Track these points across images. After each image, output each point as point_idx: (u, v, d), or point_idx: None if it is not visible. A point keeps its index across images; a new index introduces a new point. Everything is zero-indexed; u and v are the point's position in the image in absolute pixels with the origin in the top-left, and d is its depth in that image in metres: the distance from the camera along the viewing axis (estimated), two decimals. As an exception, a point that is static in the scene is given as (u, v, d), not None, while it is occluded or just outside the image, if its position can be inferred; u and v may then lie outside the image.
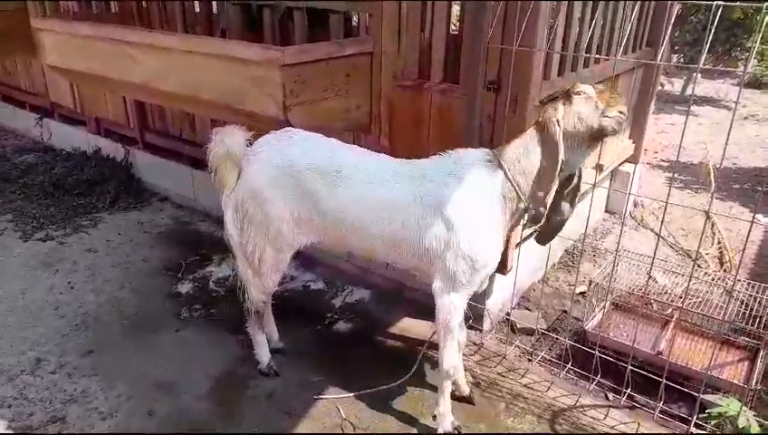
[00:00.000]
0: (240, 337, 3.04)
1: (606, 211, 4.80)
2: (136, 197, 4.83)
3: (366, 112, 3.22)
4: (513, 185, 2.20)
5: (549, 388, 2.82)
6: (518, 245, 3.07)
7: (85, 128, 5.45)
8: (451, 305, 2.32)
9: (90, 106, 5.24)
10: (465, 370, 2.82)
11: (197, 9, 4.28)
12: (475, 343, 3.13)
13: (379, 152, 3.25)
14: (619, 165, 4.57)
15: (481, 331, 3.20)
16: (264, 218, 2.42)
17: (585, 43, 3.17)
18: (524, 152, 2.18)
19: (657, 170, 6.03)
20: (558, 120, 2.09)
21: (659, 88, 8.67)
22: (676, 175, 5.83)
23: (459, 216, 2.20)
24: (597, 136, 2.17)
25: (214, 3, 4.36)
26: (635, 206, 4.93)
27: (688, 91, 9.53)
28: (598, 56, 3.39)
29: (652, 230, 4.55)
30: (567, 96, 2.13)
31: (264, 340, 2.86)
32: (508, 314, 3.37)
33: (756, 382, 2.62)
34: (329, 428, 2.56)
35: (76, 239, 4.19)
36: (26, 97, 6.15)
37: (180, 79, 3.22)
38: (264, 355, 2.86)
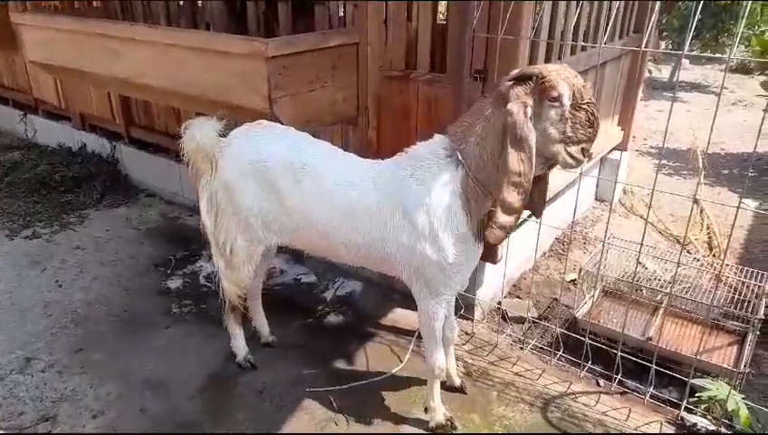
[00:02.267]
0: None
1: (596, 199, 4.81)
2: (123, 193, 4.79)
3: (353, 105, 3.20)
4: (476, 185, 2.04)
5: (540, 376, 2.83)
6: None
7: (70, 123, 5.39)
8: (430, 310, 2.28)
9: (74, 101, 5.18)
10: (457, 359, 2.82)
11: (181, 3, 4.22)
12: (466, 333, 3.13)
13: (368, 145, 3.28)
14: (608, 152, 4.58)
15: (472, 320, 3.20)
16: (236, 210, 2.41)
17: (571, 30, 3.16)
18: (485, 145, 1.98)
19: (647, 157, 6.04)
20: (527, 114, 1.85)
21: (647, 75, 8.71)
22: (664, 161, 5.85)
23: (422, 222, 2.10)
24: (549, 159, 1.97)
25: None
26: (624, 193, 4.95)
27: (677, 78, 9.56)
28: (584, 44, 3.36)
29: (641, 217, 4.57)
30: (541, 92, 1.86)
31: (240, 333, 2.85)
32: (499, 302, 3.37)
33: (745, 366, 2.64)
34: (322, 420, 2.56)
35: (64, 237, 4.15)
36: (9, 93, 6.07)
37: (164, 73, 3.19)
38: (240, 349, 2.85)
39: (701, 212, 4.59)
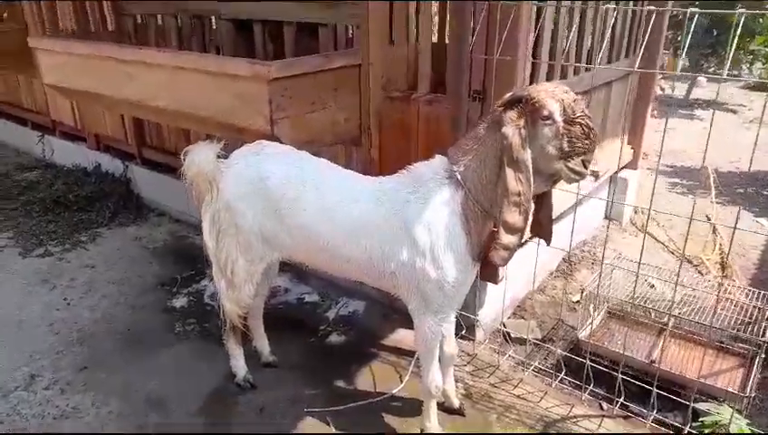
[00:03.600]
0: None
1: (606, 218, 4.76)
2: (135, 212, 4.87)
3: (355, 125, 3.23)
4: (475, 206, 2.06)
5: (542, 398, 2.78)
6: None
7: (85, 144, 5.51)
8: (427, 328, 2.28)
9: (89, 123, 5.31)
10: (457, 381, 2.80)
11: (192, 26, 4.32)
12: (468, 354, 3.10)
13: (369, 164, 3.29)
14: (618, 171, 4.54)
15: (474, 341, 3.17)
16: (237, 230, 2.43)
17: (571, 49, 3.16)
18: (484, 168, 2.01)
19: (659, 175, 5.97)
20: (522, 135, 1.89)
21: (660, 92, 8.65)
22: (677, 179, 5.78)
23: (422, 240, 2.11)
24: (552, 175, 2.00)
25: (210, 19, 4.40)
26: (635, 212, 4.89)
27: (694, 96, 9.48)
28: (580, 65, 3.34)
29: (652, 236, 4.50)
30: (532, 112, 1.88)
31: (240, 353, 2.85)
32: (503, 323, 3.34)
33: (751, 390, 2.57)
34: (319, 441, 2.55)
35: (75, 255, 4.22)
36: (28, 115, 6.24)
37: (173, 95, 3.25)
38: (240, 368, 2.86)
39: (714, 231, 4.51)
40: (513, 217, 1.94)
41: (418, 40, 3.06)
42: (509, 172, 1.91)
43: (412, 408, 2.70)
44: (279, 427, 2.62)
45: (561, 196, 3.66)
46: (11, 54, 5.53)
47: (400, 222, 2.16)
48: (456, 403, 2.68)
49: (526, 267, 3.37)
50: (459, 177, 2.08)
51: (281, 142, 2.65)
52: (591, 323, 3.12)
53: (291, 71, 2.75)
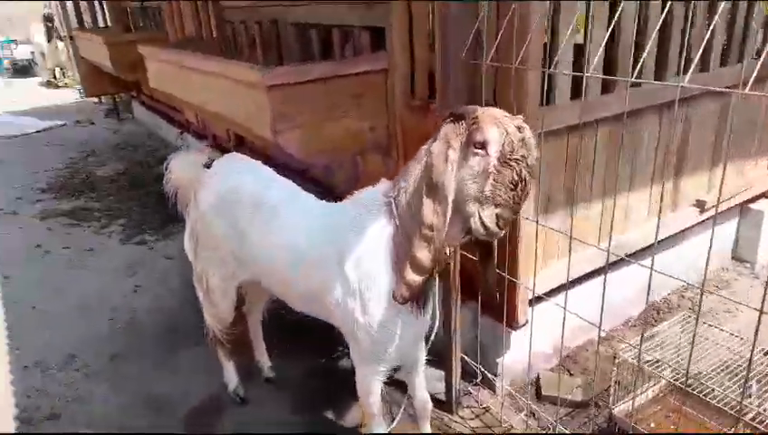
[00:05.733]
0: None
1: (734, 258, 3.82)
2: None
3: (383, 134, 2.97)
4: (405, 240, 1.72)
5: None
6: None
7: (207, 143, 5.96)
8: (363, 380, 2.00)
9: (208, 124, 5.72)
10: (448, 437, 2.42)
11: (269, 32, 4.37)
12: (480, 405, 2.68)
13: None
14: (749, 200, 3.61)
15: (494, 391, 2.73)
16: (210, 244, 2.35)
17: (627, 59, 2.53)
18: (414, 193, 1.70)
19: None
20: (449, 157, 1.55)
21: None
22: None
23: (351, 277, 1.84)
24: (466, 221, 1.63)
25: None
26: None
27: None
28: (613, 78, 2.64)
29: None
30: (469, 134, 1.54)
31: (230, 366, 2.79)
32: (537, 377, 2.83)
33: None
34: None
35: (162, 246, 4.56)
36: (173, 113, 6.96)
37: (217, 101, 3.31)
38: (230, 381, 2.79)
39: None
40: (421, 252, 1.63)
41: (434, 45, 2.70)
42: (426, 201, 1.59)
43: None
44: (247, 451, 2.51)
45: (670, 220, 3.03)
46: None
47: (335, 254, 1.90)
48: (430, 465, 2.32)
49: (587, 309, 2.79)
50: (394, 204, 1.76)
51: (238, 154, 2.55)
52: (642, 395, 2.48)
53: (292, 77, 2.60)
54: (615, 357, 2.49)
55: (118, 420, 2.74)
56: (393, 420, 2.56)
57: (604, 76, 2.37)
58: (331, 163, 3.64)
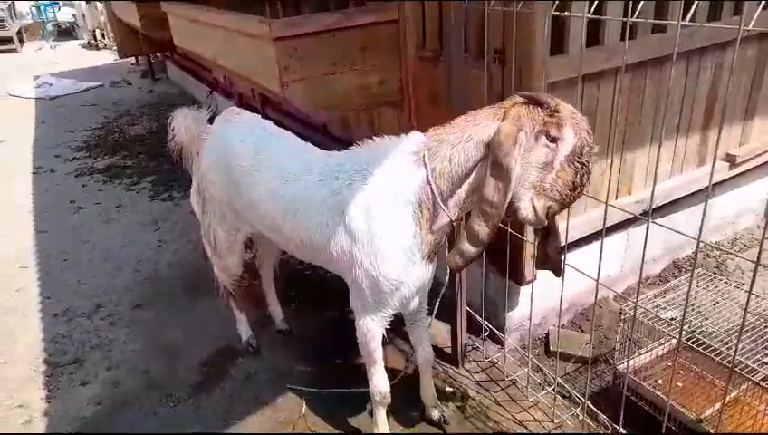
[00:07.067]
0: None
1: (766, 216, 3.65)
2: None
3: (395, 88, 2.91)
4: (432, 189, 1.71)
5: (552, 430, 2.28)
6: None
7: (233, 102, 5.99)
8: (365, 328, 2.00)
9: (234, 82, 5.73)
10: (457, 390, 2.45)
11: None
12: (489, 359, 2.68)
13: (409, 130, 2.96)
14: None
15: (502, 346, 2.72)
16: (213, 199, 2.38)
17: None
18: (460, 154, 1.66)
19: None
20: (518, 140, 1.53)
21: None
22: None
23: (360, 225, 1.81)
24: (512, 205, 1.63)
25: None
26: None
27: None
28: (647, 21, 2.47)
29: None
30: (544, 124, 1.52)
31: (242, 317, 2.85)
32: (547, 334, 2.80)
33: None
34: (283, 421, 2.45)
35: (188, 202, 4.64)
36: (204, 72, 7.00)
37: (229, 55, 3.31)
38: (243, 331, 2.87)
39: None
40: (479, 226, 1.63)
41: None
42: (489, 178, 1.59)
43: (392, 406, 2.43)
44: (256, 397, 2.59)
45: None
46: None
47: (341, 203, 1.88)
48: (434, 415, 2.35)
49: (605, 265, 2.71)
50: (427, 157, 1.72)
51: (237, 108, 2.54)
52: (651, 352, 2.43)
53: (297, 29, 2.56)
54: (620, 313, 2.42)
55: (135, 364, 2.86)
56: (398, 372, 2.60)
57: (654, 21, 2.24)
58: (346, 117, 3.61)
